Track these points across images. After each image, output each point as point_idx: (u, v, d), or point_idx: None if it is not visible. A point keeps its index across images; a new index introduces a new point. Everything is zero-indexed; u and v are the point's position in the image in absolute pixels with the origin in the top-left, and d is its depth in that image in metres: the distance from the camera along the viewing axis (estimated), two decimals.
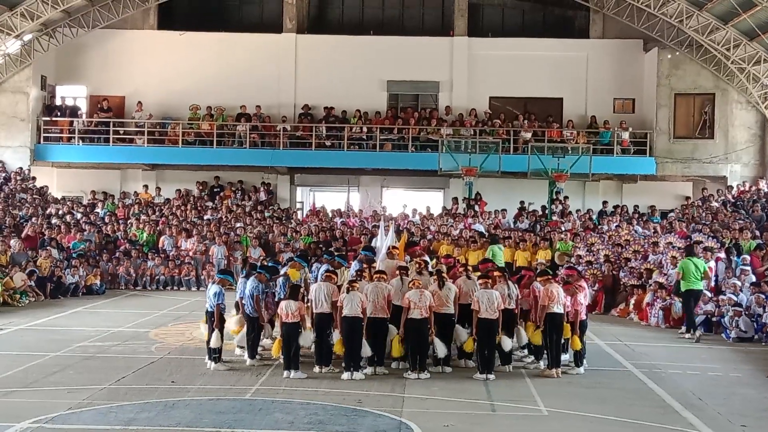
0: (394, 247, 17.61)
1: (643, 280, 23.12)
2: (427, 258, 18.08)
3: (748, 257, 22.14)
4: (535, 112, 34.55)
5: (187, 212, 31.35)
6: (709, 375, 15.57)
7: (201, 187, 34.15)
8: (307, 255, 20.36)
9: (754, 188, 30.80)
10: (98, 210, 31.65)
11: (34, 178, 32.96)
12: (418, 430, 11.39)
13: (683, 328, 20.24)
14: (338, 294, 14.88)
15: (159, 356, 16.20)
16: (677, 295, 20.90)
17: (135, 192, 33.91)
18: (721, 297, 20.44)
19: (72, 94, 35.29)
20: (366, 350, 14.63)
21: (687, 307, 20.10)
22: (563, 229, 27.65)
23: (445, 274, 15.79)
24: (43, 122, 33.74)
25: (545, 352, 15.41)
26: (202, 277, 26.96)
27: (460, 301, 15.42)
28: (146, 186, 34.13)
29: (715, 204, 29.68)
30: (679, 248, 23.30)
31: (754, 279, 21.10)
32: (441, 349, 14.94)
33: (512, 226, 29.36)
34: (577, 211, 30.94)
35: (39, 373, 14.59)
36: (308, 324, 15.08)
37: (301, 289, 15.74)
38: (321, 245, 26.10)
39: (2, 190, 31.16)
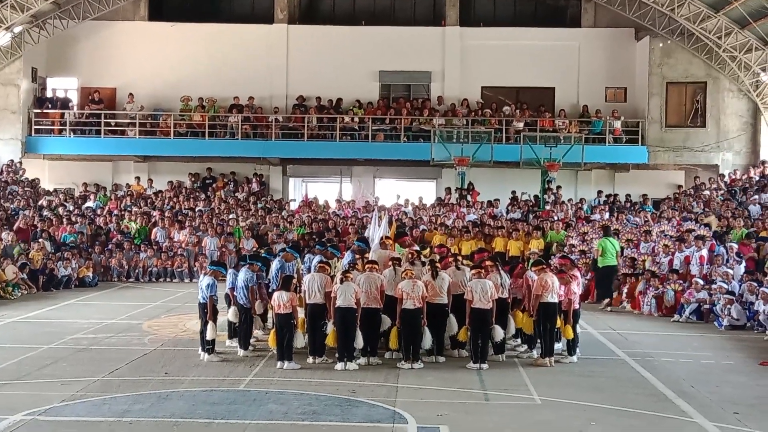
0: (387, 237, 17.61)
1: (636, 269, 23.17)
2: (417, 247, 18.07)
3: (735, 245, 22.16)
4: (527, 102, 34.57)
5: (180, 204, 31.31)
6: (702, 363, 15.60)
7: (193, 179, 34.10)
8: (299, 246, 20.36)
9: (745, 176, 30.87)
10: (90, 202, 31.56)
11: (23, 170, 32.84)
12: (411, 420, 11.39)
13: (675, 316, 20.37)
14: (331, 285, 14.88)
15: (152, 348, 16.19)
16: (594, 271, 22.92)
17: (127, 184, 33.87)
18: (712, 285, 20.49)
19: (63, 86, 35.18)
20: (359, 341, 14.64)
21: (607, 280, 22.38)
22: (555, 218, 27.69)
23: (438, 264, 15.79)
24: (34, 114, 33.66)
25: (538, 341, 15.43)
26: (195, 269, 26.93)
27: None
28: (138, 178, 34.07)
29: (707, 192, 29.74)
30: (671, 237, 23.41)
31: (743, 268, 21.14)
32: (427, 340, 14.95)
33: (505, 215, 29.37)
34: (569, 200, 30.98)
35: (32, 365, 14.56)
36: (300, 316, 15.09)
37: (294, 280, 15.73)
38: (314, 236, 26.13)
39: None
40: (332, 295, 14.66)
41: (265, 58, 34.88)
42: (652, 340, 17.80)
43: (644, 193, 31.72)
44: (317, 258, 16.85)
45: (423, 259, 16.76)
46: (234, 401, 12.27)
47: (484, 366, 14.64)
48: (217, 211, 30.47)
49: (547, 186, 30.60)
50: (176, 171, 34.45)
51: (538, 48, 34.64)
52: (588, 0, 34.66)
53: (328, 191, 34.37)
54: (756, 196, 27.43)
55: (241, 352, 15.58)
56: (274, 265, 16.85)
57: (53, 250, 26.10)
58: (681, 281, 21.34)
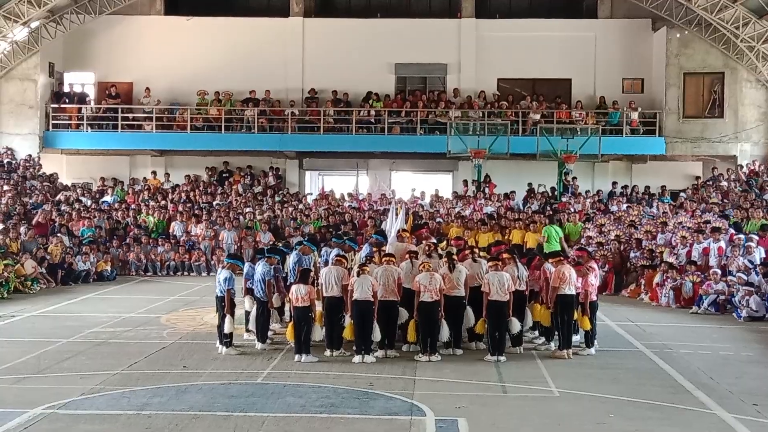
0: (404, 230, 17.60)
1: (654, 261, 23.09)
2: (434, 240, 18.06)
3: (756, 237, 22.07)
4: (544, 93, 34.43)
5: (197, 198, 31.40)
6: (720, 354, 15.54)
7: (210, 173, 34.18)
8: (316, 239, 20.38)
9: (763, 167, 30.68)
10: (107, 197, 31.71)
11: (41, 165, 32.99)
12: (429, 413, 11.39)
13: (694, 307, 20.30)
14: (348, 278, 14.90)
15: (170, 341, 16.25)
16: (543, 257, 22.14)
17: (144, 178, 33.97)
18: (730, 277, 20.40)
19: (80, 80, 35.34)
20: (376, 334, 14.66)
21: None
22: (573, 210, 27.60)
23: (455, 256, 15.77)
24: (51, 109, 33.77)
25: (556, 333, 15.41)
26: (212, 263, 27.03)
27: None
28: (155, 172, 34.16)
29: (724, 183, 29.59)
30: (689, 228, 23.31)
31: (758, 260, 21.02)
32: (444, 333, 14.95)
33: (522, 207, 29.32)
34: (587, 192, 30.88)
35: (51, 359, 14.64)
36: (317, 309, 15.10)
37: (311, 273, 15.75)
38: (331, 229, 26.14)
39: (12, 177, 31.22)
40: (349, 288, 14.67)
41: (281, 52, 34.89)
42: (670, 332, 17.75)
43: (662, 184, 31.63)
44: (334, 251, 16.85)
45: (440, 251, 16.73)
46: (252, 394, 12.31)
47: (502, 358, 14.63)
48: (234, 205, 30.55)
49: (563, 178, 30.50)
50: (193, 165, 34.54)
51: (554, 39, 34.51)
52: None
53: (345, 184, 34.38)
54: None
55: (258, 346, 15.61)
56: (291, 258, 16.86)
57: (72, 245, 26.23)
58: (699, 273, 21.26)
